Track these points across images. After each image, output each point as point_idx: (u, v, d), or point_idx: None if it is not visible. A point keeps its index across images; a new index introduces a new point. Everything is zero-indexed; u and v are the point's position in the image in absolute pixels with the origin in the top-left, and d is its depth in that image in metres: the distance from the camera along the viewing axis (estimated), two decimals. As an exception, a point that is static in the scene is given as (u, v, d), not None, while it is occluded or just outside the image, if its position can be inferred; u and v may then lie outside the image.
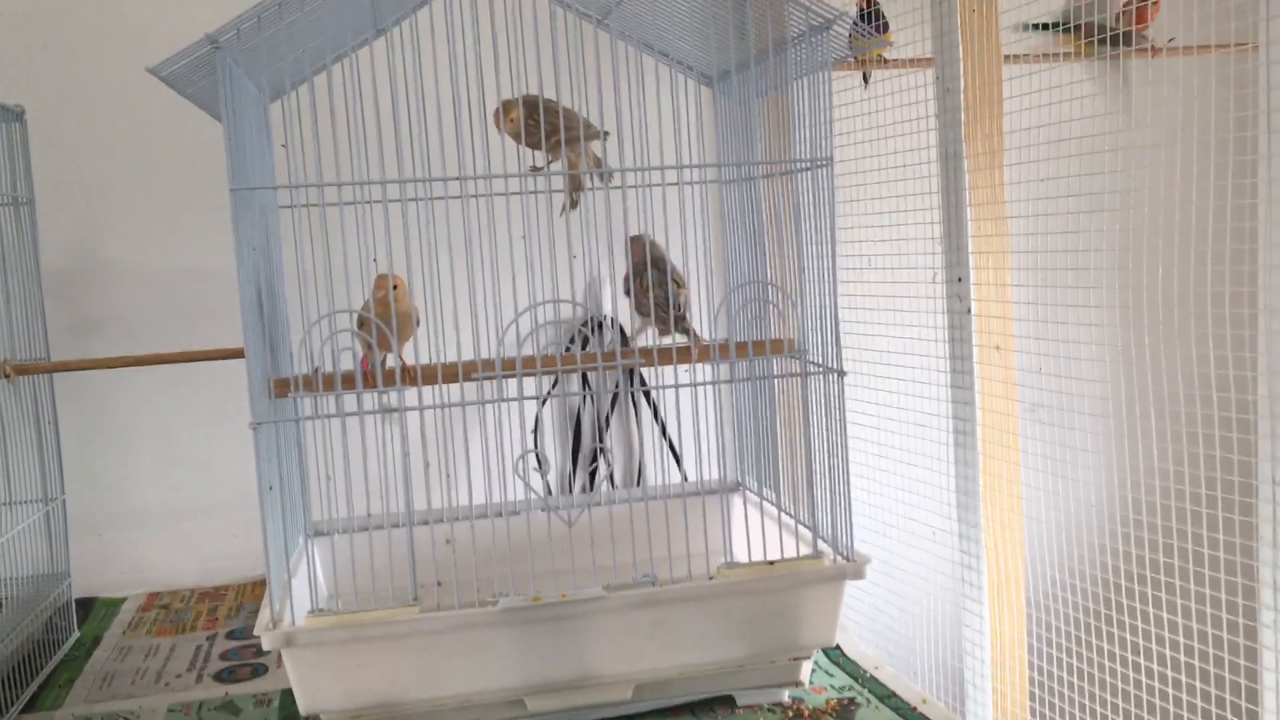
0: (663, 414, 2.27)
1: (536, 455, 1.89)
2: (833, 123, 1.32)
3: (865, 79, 2.18)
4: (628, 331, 2.20)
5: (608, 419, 2.31)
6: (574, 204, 1.51)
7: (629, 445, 2.33)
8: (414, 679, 1.28)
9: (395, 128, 1.32)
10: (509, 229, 1.32)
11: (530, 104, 1.47)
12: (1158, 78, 1.73)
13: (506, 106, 1.47)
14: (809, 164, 1.34)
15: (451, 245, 1.41)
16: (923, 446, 1.89)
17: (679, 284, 1.43)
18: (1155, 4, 2.02)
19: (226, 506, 2.13)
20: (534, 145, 1.51)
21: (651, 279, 1.42)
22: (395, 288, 1.42)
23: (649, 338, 1.50)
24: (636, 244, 1.46)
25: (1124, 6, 2.06)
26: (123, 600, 2.00)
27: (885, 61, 2.11)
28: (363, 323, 1.38)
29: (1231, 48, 1.69)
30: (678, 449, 2.25)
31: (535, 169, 1.49)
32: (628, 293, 1.50)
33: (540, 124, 1.46)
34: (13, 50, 2.00)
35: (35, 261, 1.72)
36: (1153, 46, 2.06)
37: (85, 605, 1.95)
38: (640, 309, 1.47)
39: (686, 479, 2.25)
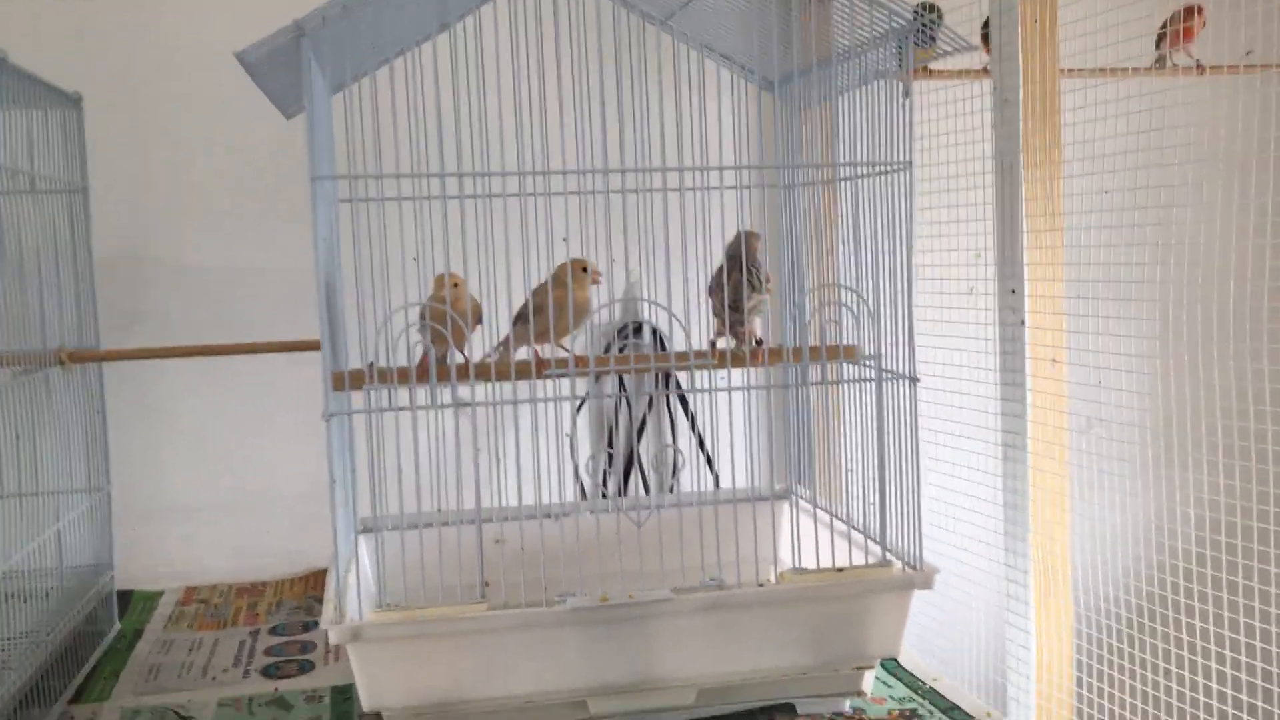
0: (700, 420, 2.26)
1: (576, 471, 1.88)
2: (913, 126, 1.31)
3: (906, 91, 2.17)
4: (664, 334, 2.20)
5: (643, 424, 2.29)
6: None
7: (665, 450, 2.32)
8: (477, 677, 1.26)
9: (456, 123, 1.31)
10: (563, 228, 1.32)
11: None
12: (1233, 93, 1.73)
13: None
14: (888, 168, 1.34)
15: (509, 243, 1.41)
16: (970, 459, 1.88)
17: (754, 288, 1.41)
18: (1190, 27, 2.01)
19: (264, 502, 2.11)
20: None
21: (727, 276, 1.40)
22: (455, 286, 1.40)
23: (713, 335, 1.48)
24: (739, 239, 1.44)
25: (1161, 29, 2.05)
26: (160, 594, 1.98)
27: (931, 72, 2.11)
28: (433, 315, 1.37)
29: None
30: (713, 455, 2.24)
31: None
32: (712, 290, 1.48)
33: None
34: (71, 37, 1.99)
35: (89, 250, 1.71)
36: (1199, 65, 2.06)
37: (123, 598, 1.93)
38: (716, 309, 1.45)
39: (719, 485, 2.24)
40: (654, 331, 2.25)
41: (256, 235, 2.09)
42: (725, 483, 1.92)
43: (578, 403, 2.18)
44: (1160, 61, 2.02)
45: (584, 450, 2.23)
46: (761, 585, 1.60)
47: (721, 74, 1.64)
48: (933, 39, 2.11)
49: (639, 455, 2.25)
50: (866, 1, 1.29)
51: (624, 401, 2.26)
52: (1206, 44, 1.94)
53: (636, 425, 2.27)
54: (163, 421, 2.07)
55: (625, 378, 2.25)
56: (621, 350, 2.21)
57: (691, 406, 2.25)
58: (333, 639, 1.21)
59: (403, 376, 1.29)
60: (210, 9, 2.03)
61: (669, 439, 2.30)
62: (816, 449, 1.77)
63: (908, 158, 1.32)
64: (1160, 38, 2.02)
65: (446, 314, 1.29)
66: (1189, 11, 1.95)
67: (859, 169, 1.40)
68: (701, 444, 2.24)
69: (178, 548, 2.09)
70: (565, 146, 1.48)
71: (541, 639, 1.26)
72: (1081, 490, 1.77)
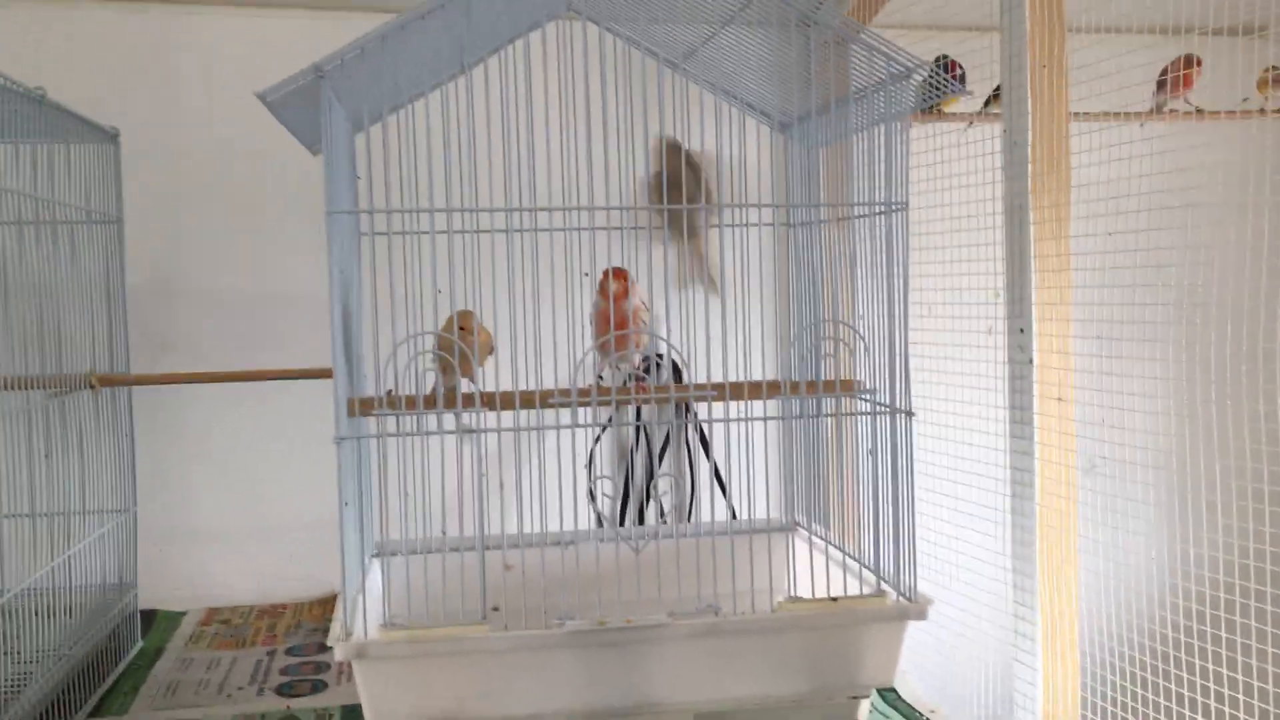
0: (714, 451, 2.29)
1: (592, 489, 1.91)
2: (909, 169, 1.35)
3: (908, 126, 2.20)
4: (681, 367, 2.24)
5: (662, 455, 2.33)
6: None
7: (682, 480, 2.35)
8: (478, 697, 1.29)
9: (474, 160, 1.36)
10: (580, 263, 1.36)
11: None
12: (1226, 138, 1.76)
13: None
14: (886, 207, 1.37)
15: (525, 276, 1.45)
16: (978, 495, 1.90)
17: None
18: (1187, 74, 2.04)
19: (286, 527, 2.16)
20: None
21: None
22: (463, 328, 1.45)
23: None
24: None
25: (1160, 76, 2.09)
26: (183, 614, 2.04)
27: (942, 114, 2.15)
28: (441, 345, 1.41)
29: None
30: (727, 486, 2.26)
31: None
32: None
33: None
34: (106, 71, 2.08)
35: (122, 278, 1.78)
36: (1198, 110, 2.08)
37: (147, 617, 1.98)
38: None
39: (735, 516, 2.26)
40: (673, 364, 2.28)
41: (287, 264, 2.15)
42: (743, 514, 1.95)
43: (598, 431, 2.22)
44: (1159, 108, 2.06)
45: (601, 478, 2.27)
46: (774, 612, 1.62)
47: (732, 114, 1.68)
48: (954, 91, 2.16)
49: (655, 485, 2.28)
50: (869, 50, 1.33)
51: (641, 431, 2.30)
52: (1205, 91, 1.97)
53: (656, 455, 2.31)
54: (190, 445, 2.13)
55: (643, 408, 2.28)
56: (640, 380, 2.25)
57: (708, 438, 2.28)
58: (338, 655, 1.25)
59: (409, 404, 1.33)
60: (243, 45, 2.11)
61: (685, 469, 2.33)
62: (826, 482, 1.80)
63: (904, 198, 1.36)
64: (1160, 85, 2.06)
65: (454, 345, 1.34)
66: (1187, 60, 1.99)
67: (859, 209, 1.44)
68: (718, 475, 2.27)
69: (201, 569, 2.14)
70: (580, 183, 1.53)
71: (540, 661, 1.30)
72: (1091, 529, 1.78)
